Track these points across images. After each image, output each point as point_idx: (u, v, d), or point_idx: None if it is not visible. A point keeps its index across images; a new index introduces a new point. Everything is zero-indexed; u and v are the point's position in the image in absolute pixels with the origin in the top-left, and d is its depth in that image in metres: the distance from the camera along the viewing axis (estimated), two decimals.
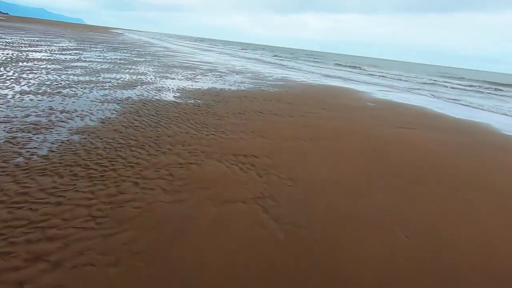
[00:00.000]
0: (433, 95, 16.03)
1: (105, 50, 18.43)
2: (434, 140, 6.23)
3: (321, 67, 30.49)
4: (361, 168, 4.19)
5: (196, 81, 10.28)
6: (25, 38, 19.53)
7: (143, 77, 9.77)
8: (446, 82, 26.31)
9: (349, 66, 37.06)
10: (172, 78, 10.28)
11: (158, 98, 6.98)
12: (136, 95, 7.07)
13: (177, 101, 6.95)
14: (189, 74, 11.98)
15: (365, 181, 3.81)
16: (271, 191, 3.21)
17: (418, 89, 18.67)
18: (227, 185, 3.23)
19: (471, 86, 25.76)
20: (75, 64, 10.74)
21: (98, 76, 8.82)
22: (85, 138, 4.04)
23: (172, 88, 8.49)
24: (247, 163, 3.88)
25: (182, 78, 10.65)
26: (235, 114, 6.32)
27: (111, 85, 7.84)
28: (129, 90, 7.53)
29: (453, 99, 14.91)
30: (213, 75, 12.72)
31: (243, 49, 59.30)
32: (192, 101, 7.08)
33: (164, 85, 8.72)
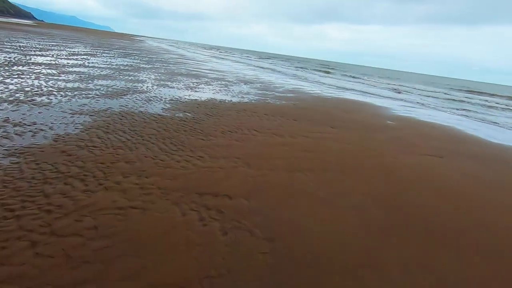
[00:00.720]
0: (463, 114, 14.43)
1: (116, 56, 18.21)
2: (470, 175, 4.96)
3: (338, 78, 29.23)
4: (372, 222, 3.07)
5: (196, 91, 9.46)
6: (42, 43, 19.74)
7: (139, 85, 9.08)
8: (477, 98, 24.23)
9: (368, 78, 35.53)
10: (170, 87, 9.52)
11: (143, 110, 6.15)
12: (119, 105, 6.29)
13: (163, 114, 6.08)
14: (192, 82, 11.23)
15: (376, 244, 2.69)
16: (232, 264, 2.17)
17: (445, 106, 17.07)
18: (167, 251, 2.22)
19: (507, 105, 23.61)
20: (74, 69, 10.25)
21: (89, 83, 8.18)
22: (16, 163, 3.19)
23: (165, 98, 7.68)
24: (214, 208, 2.87)
25: (182, 87, 9.88)
26: (225, 133, 5.35)
27: (97, 93, 7.13)
28: (114, 99, 6.78)
29: (487, 120, 13.26)
30: (219, 84, 11.90)
31: (260, 58, 58.98)
32: (180, 115, 6.19)
33: (157, 95, 7.93)
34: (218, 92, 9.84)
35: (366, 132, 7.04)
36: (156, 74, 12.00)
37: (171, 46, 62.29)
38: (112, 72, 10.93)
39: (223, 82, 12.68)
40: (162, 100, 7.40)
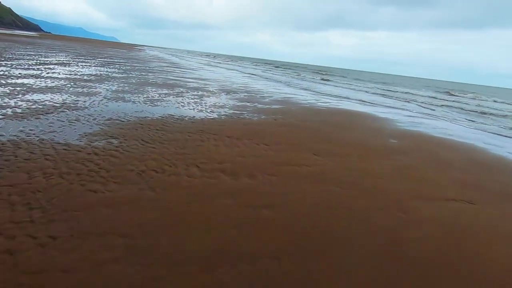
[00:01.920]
0: (481, 126, 12.49)
1: (93, 65, 16.73)
2: None
3: (338, 86, 27.45)
4: None
5: (156, 105, 7.75)
6: (17, 52, 18.43)
7: (84, 99, 7.40)
8: (491, 107, 22.17)
9: (372, 86, 33.72)
10: (126, 101, 7.83)
11: (47, 138, 4.40)
12: (19, 130, 4.57)
13: (74, 143, 4.33)
14: (160, 94, 9.53)
15: None
16: None
17: (457, 116, 15.14)
18: None
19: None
20: (16, 81, 8.64)
21: (14, 98, 6.52)
22: None
23: (103, 117, 5.96)
24: None
25: (141, 100, 8.17)
26: (142, 174, 3.56)
27: (9, 112, 5.43)
28: (25, 120, 5.07)
29: (504, 133, 11.29)
30: (193, 95, 10.19)
31: (257, 65, 57.63)
32: (100, 143, 4.44)
33: (95, 113, 6.22)
34: (183, 106, 8.11)
35: (363, 160, 5.20)
36: (121, 85, 10.36)
37: (169, 54, 61.43)
38: (66, 83, 9.31)
39: (200, 93, 10.97)
40: (95, 120, 5.67)
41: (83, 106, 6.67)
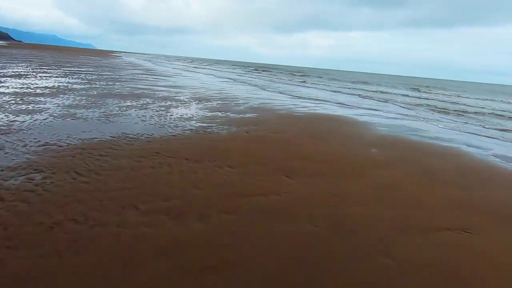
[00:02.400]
0: (462, 127, 12.29)
1: (54, 75, 15.42)
2: None
3: (316, 87, 27.18)
4: None
5: (110, 122, 6.82)
6: None
7: (23, 118, 6.37)
8: (467, 104, 22.45)
9: (351, 85, 33.83)
10: (76, 118, 6.86)
11: None
12: None
13: None
14: (120, 107, 8.58)
15: None
16: None
17: (437, 116, 15.00)
18: None
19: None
20: None
21: None
22: None
23: (35, 141, 4.99)
24: None
25: (95, 117, 7.21)
26: (54, 228, 2.70)
27: None
28: None
29: (495, 135, 11.10)
30: (159, 106, 9.30)
31: (235, 68, 56.95)
32: (16, 181, 3.53)
33: (30, 135, 5.25)
34: (144, 121, 7.21)
35: (342, 179, 4.54)
36: (77, 98, 9.31)
37: (147, 60, 59.73)
38: (10, 99, 8.19)
39: (168, 103, 10.08)
40: (25, 147, 4.70)
41: (18, 128, 5.67)
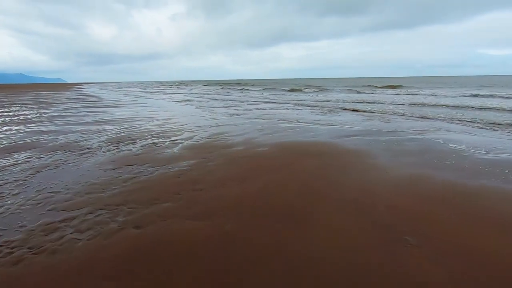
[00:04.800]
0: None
1: None
2: None
3: (279, 102, 24.10)
4: None
5: None
6: None
7: None
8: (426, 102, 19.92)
9: (312, 91, 31.17)
10: None
11: None
12: None
13: None
14: None
15: None
16: None
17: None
18: None
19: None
20: None
21: None
22: None
23: None
24: None
25: None
26: None
27: None
28: None
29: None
30: (23, 169, 5.40)
31: (204, 86, 53.69)
32: None
33: None
34: None
35: None
36: None
37: (110, 90, 55.29)
38: None
39: (57, 158, 6.20)
40: None
41: None
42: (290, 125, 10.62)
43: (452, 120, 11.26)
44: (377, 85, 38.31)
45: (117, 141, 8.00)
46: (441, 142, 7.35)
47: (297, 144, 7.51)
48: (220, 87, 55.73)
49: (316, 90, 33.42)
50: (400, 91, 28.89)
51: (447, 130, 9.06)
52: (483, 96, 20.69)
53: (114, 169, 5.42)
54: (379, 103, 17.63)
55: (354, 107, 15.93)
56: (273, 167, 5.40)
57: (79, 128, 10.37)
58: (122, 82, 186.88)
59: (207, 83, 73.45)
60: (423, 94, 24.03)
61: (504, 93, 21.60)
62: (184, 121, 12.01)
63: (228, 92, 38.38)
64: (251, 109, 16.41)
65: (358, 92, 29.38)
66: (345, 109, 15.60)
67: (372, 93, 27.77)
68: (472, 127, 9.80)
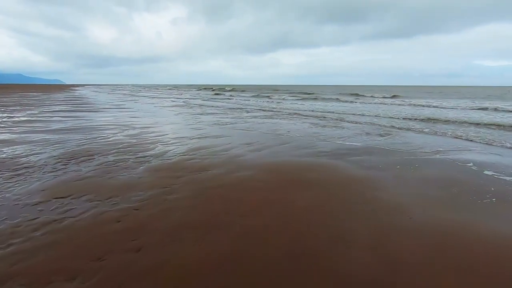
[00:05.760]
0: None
1: None
2: None
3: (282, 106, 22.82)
4: None
5: None
6: None
7: None
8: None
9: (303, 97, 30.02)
10: None
11: None
12: None
13: None
14: None
15: None
16: None
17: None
18: None
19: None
20: None
21: None
22: None
23: None
24: None
25: None
26: None
27: None
28: None
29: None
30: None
31: (199, 90, 52.29)
32: None
33: None
34: None
35: None
36: None
37: (104, 92, 53.86)
38: None
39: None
40: None
41: None
42: (284, 138, 9.21)
43: (467, 136, 9.90)
44: (377, 94, 37.10)
45: (71, 157, 6.53)
46: (473, 167, 5.95)
47: (290, 166, 6.08)
48: (216, 92, 54.27)
49: (315, 98, 32.09)
50: (404, 100, 27.60)
51: (470, 150, 7.68)
52: (494, 109, 19.38)
53: (36, 204, 3.95)
54: (384, 116, 16.29)
55: (354, 119, 14.60)
56: (255, 207, 3.96)
57: (39, 137, 8.89)
58: (119, 85, 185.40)
59: (204, 87, 71.98)
60: (427, 106, 22.73)
61: None
62: (165, 130, 10.57)
63: (223, 98, 37.08)
64: (243, 117, 15.03)
65: (355, 102, 28.14)
66: (344, 120, 14.26)
67: (373, 102, 26.53)
68: (498, 146, 8.44)
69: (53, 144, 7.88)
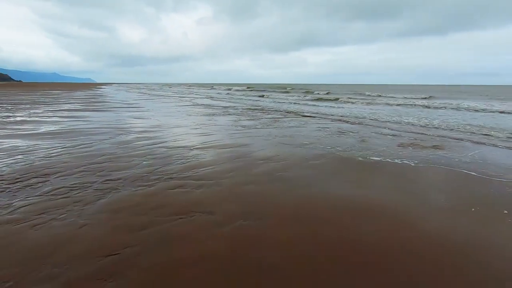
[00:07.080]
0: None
1: None
2: None
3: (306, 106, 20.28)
4: None
5: None
6: None
7: None
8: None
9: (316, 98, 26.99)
10: None
11: None
12: None
13: None
14: None
15: None
16: None
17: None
18: None
19: None
20: None
21: None
22: None
23: None
24: None
25: None
26: None
27: None
28: None
29: None
30: None
31: (229, 88, 50.50)
32: None
33: None
34: None
35: None
36: None
37: (129, 90, 54.04)
38: None
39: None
40: None
41: None
42: (323, 160, 6.54)
43: None
44: (410, 95, 32.66)
45: (16, 178, 4.66)
46: None
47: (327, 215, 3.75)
48: (243, 91, 51.38)
49: (355, 100, 28.22)
50: (446, 102, 23.43)
51: None
52: None
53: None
54: (433, 127, 13.24)
55: (399, 128, 11.82)
56: None
57: (10, 144, 7.25)
58: (147, 83, 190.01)
59: (231, 86, 69.89)
60: (476, 109, 18.67)
61: None
62: (161, 137, 8.58)
63: (248, 96, 34.92)
64: (268, 124, 12.64)
65: (393, 104, 24.65)
66: (382, 132, 11.51)
67: (413, 105, 23.07)
68: None
69: (16, 155, 6.13)
